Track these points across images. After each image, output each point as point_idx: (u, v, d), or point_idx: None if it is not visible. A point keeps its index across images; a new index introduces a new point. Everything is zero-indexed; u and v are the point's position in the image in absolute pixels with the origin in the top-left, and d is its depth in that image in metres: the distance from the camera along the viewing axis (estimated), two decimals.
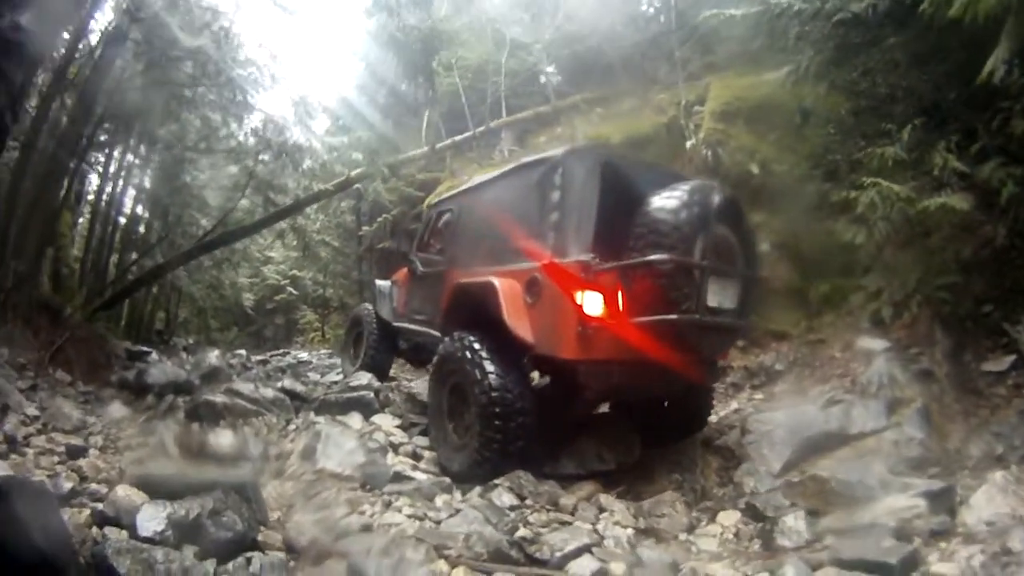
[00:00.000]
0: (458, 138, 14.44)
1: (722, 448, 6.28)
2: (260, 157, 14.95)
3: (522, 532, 4.51)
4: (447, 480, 5.63)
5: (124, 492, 3.88)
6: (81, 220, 18.81)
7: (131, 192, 19.56)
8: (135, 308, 20.29)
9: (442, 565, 3.93)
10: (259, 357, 18.02)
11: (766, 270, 6.77)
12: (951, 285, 6.57)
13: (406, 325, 8.37)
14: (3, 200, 9.68)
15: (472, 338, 5.54)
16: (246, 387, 8.04)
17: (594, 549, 4.28)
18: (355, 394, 7.73)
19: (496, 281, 5.56)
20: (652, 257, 4.81)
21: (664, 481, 5.99)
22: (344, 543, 4.05)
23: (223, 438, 6.31)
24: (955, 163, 6.33)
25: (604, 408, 7.07)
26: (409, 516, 4.73)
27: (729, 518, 5.14)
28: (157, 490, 3.94)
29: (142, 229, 20.06)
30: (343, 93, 18.93)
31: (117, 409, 7.65)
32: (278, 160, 14.26)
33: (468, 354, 5.46)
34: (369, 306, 9.76)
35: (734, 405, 7.81)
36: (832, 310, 8.05)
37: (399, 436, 6.83)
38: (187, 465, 5.48)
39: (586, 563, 4.08)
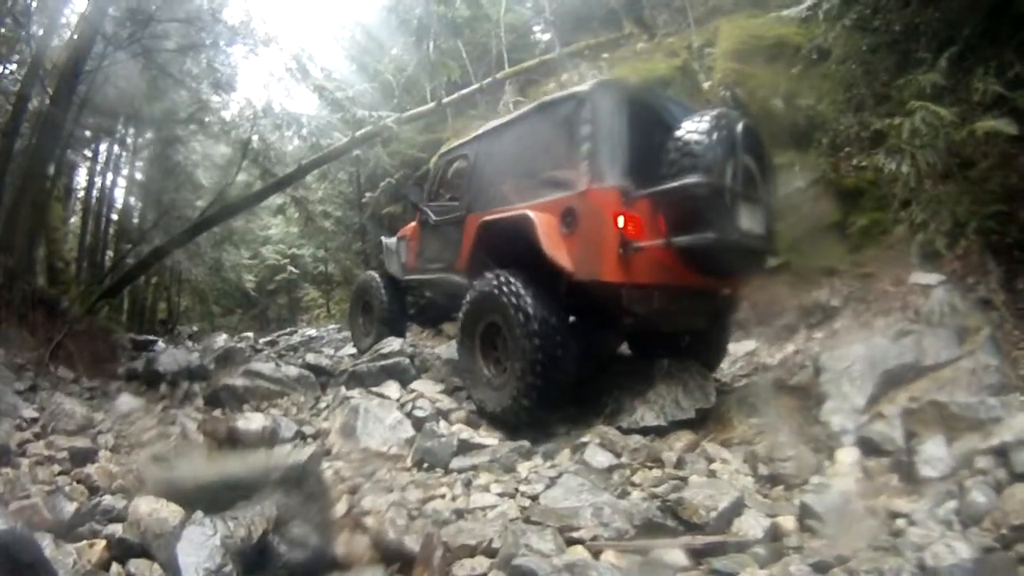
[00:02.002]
0: (464, 91, 13.36)
1: (796, 389, 5.75)
2: (254, 127, 14.07)
3: (648, 494, 3.77)
4: (523, 444, 4.88)
5: (149, 507, 2.86)
6: (74, 217, 18.56)
7: (123, 179, 19.33)
8: (136, 300, 19.88)
9: (580, 551, 3.01)
10: (266, 338, 17.01)
11: (804, 207, 6.91)
12: (997, 214, 6.28)
13: (419, 276, 7.96)
14: None
15: (510, 275, 5.33)
16: (267, 367, 7.11)
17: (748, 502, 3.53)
18: (389, 361, 6.88)
19: (531, 213, 5.36)
20: (688, 180, 4.78)
21: (743, 426, 5.33)
22: (454, 538, 3.07)
23: (253, 421, 5.33)
24: (996, 87, 5.95)
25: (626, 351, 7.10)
26: (500, 495, 3.85)
27: (849, 455, 4.48)
28: (192, 498, 2.97)
29: (136, 216, 19.58)
30: (339, 55, 17.87)
31: (128, 402, 6.63)
32: (275, 131, 13.25)
33: (506, 291, 5.26)
34: (374, 272, 9.33)
35: (791, 347, 7.25)
36: (873, 244, 7.61)
37: (447, 401, 6.06)
38: (220, 458, 4.70)
39: (752, 520, 3.38)
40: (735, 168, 4.97)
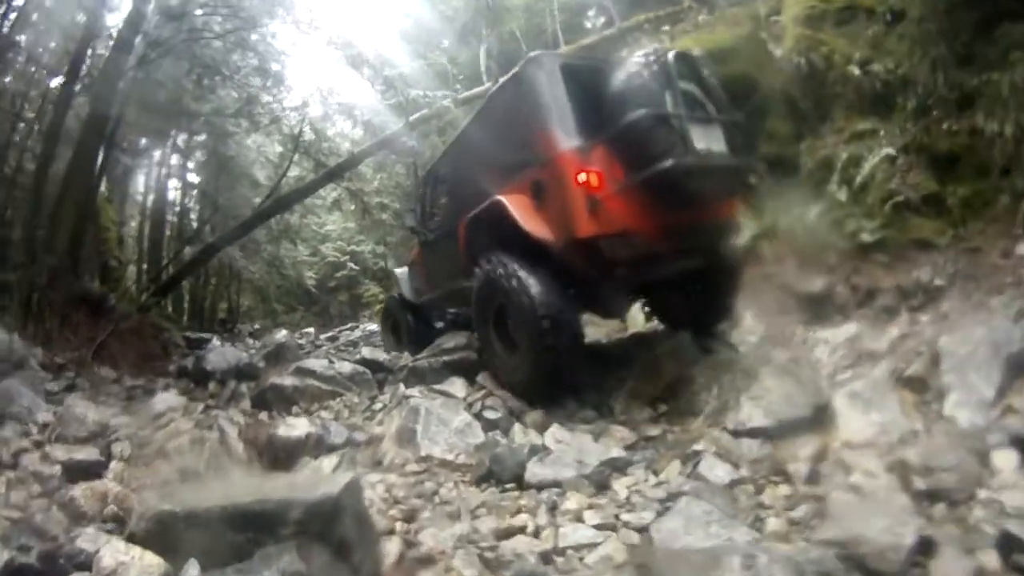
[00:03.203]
0: None
1: (912, 380, 4.77)
2: (304, 119, 13.57)
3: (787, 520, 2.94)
4: (619, 454, 4.05)
5: (118, 556, 1.99)
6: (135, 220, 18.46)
7: (179, 180, 19.29)
8: (196, 299, 19.70)
9: None
10: (327, 334, 17.02)
11: (894, 177, 6.36)
12: None
13: (433, 295, 7.93)
14: (29, 195, 8.96)
15: (504, 257, 5.34)
16: (318, 364, 6.35)
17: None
18: (453, 356, 6.18)
19: (500, 198, 5.44)
20: (630, 116, 4.82)
21: (866, 426, 4.31)
22: None
23: (295, 428, 4.66)
24: None
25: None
26: (597, 526, 2.92)
27: (1007, 460, 3.47)
28: (189, 542, 2.07)
29: (196, 216, 19.43)
30: (393, 43, 17.20)
31: (165, 400, 5.87)
32: (326, 120, 12.65)
33: (502, 272, 5.29)
34: (396, 296, 9.47)
35: (895, 331, 6.09)
36: (975, 216, 6.59)
37: (518, 401, 5.30)
38: (252, 475, 4.09)
39: (952, 562, 2.41)
40: (674, 95, 4.93)
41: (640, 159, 4.86)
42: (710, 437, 4.11)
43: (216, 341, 12.17)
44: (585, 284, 5.44)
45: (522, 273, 5.14)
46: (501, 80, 6.14)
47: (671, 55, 5.09)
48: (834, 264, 6.28)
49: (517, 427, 4.77)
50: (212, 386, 7.16)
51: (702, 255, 5.78)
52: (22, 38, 10.57)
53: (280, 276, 20.38)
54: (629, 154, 4.95)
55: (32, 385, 5.72)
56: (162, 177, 18.56)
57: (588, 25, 15.83)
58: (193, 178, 19.86)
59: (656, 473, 3.65)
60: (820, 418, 4.48)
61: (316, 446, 4.49)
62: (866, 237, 6.16)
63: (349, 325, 18.95)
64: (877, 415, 4.45)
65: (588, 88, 5.31)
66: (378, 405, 5.72)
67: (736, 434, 4.20)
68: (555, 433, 4.53)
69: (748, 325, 6.31)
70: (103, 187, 12.23)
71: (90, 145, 9.40)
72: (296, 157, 14.00)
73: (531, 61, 5.49)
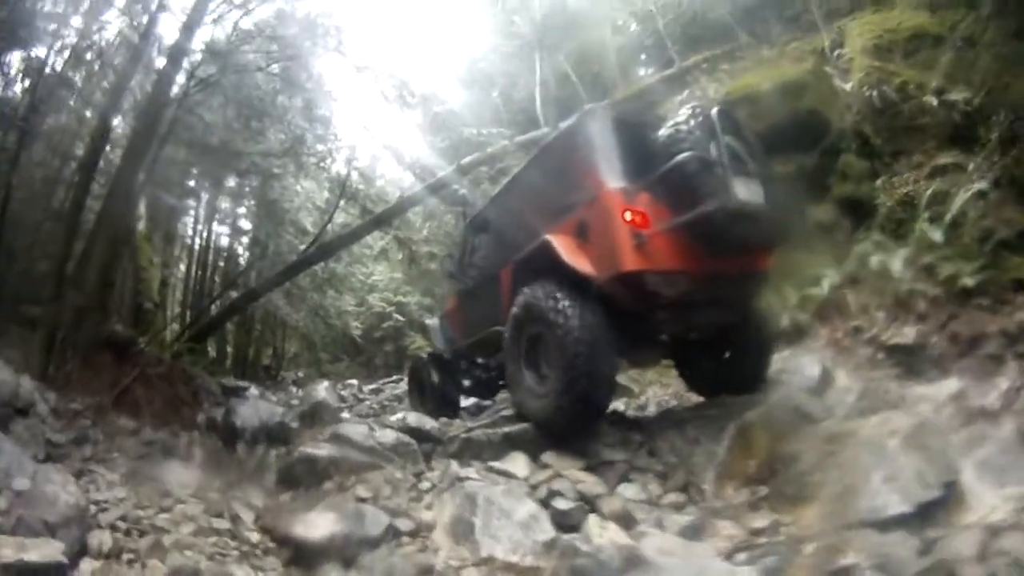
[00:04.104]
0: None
1: None
2: (351, 164, 13.30)
3: None
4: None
5: None
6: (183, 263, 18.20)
7: (227, 224, 19.04)
8: (240, 346, 19.06)
9: None
10: (371, 386, 16.45)
11: (987, 214, 6.10)
12: None
13: (466, 343, 8.02)
14: (61, 230, 8.32)
15: (548, 285, 5.44)
16: (356, 431, 5.50)
17: None
18: (514, 428, 5.58)
19: (548, 236, 5.61)
20: (678, 158, 5.02)
21: (998, 500, 3.70)
22: None
23: (316, 526, 3.87)
24: None
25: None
26: None
27: None
28: None
29: (240, 260, 19.18)
30: (443, 80, 16.66)
31: (177, 474, 4.91)
32: (374, 164, 12.23)
33: (545, 298, 5.36)
34: (423, 355, 9.71)
35: (1004, 383, 5.50)
36: None
37: (592, 482, 4.64)
38: None
39: None
40: (718, 146, 5.09)
41: (684, 202, 5.04)
42: (843, 537, 3.30)
43: (254, 390, 11.30)
44: (623, 324, 5.38)
45: (563, 300, 5.20)
46: (556, 130, 6.42)
47: (715, 110, 5.33)
48: (925, 311, 5.93)
49: (592, 520, 4.07)
50: (240, 449, 6.38)
51: (738, 307, 5.87)
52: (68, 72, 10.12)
53: (325, 325, 19.67)
54: (673, 197, 5.11)
55: (30, 436, 5.02)
56: (208, 220, 18.27)
57: (642, 72, 15.33)
58: (240, 223, 19.57)
59: None
60: (951, 497, 3.76)
61: (343, 546, 3.71)
62: (967, 281, 5.80)
63: (394, 377, 17.98)
64: (1014, 488, 3.79)
65: (637, 138, 5.51)
66: (425, 483, 4.97)
67: (868, 525, 3.40)
68: (650, 537, 3.64)
69: (841, 384, 5.82)
70: (142, 225, 11.78)
71: (127, 179, 8.72)
72: (342, 203, 13.47)
73: (587, 113, 5.86)
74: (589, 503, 4.21)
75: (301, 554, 3.67)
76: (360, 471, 4.99)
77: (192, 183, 15.42)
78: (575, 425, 5.19)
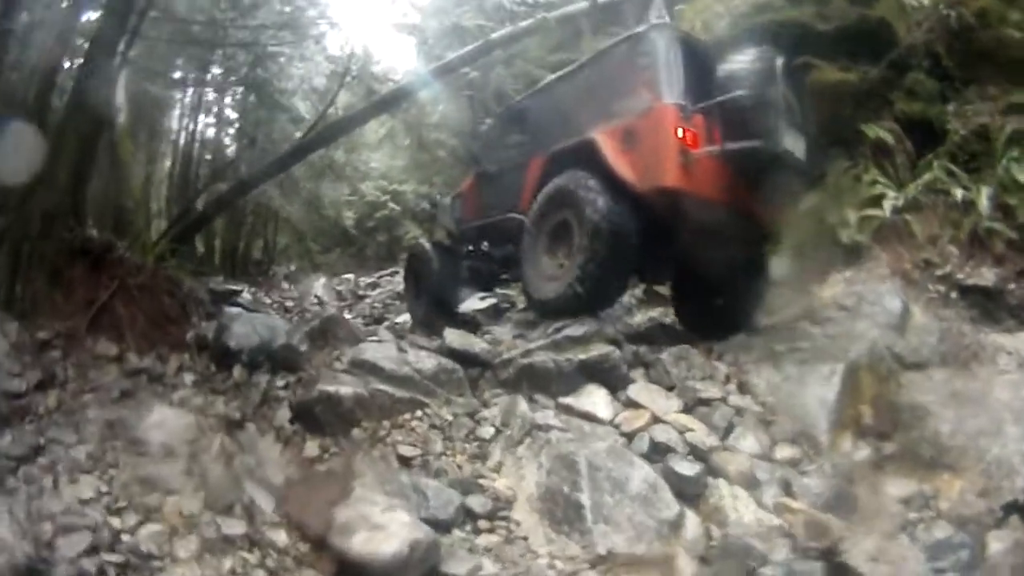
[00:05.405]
0: None
1: None
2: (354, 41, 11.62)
3: None
4: None
5: None
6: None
7: (215, 112, 17.43)
8: (229, 240, 17.63)
9: None
10: (367, 280, 15.80)
11: None
12: None
13: (476, 223, 8.10)
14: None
15: (585, 172, 5.54)
16: (384, 355, 4.42)
17: None
18: (589, 353, 4.40)
19: (594, 135, 5.67)
20: (737, 93, 5.11)
21: None
22: None
23: (384, 542, 2.62)
24: None
25: None
26: None
27: None
28: None
29: (231, 152, 17.49)
30: None
31: (163, 423, 3.76)
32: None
33: (583, 186, 5.44)
34: (422, 241, 9.43)
35: None
36: None
37: (701, 432, 3.67)
38: None
39: None
40: (775, 92, 5.29)
41: (734, 135, 5.15)
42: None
43: (247, 294, 10.09)
44: (646, 233, 5.45)
45: (597, 189, 5.34)
46: (624, 35, 6.30)
47: (780, 60, 5.47)
48: (1003, 254, 5.61)
49: (720, 486, 3.15)
50: (237, 373, 5.18)
51: (748, 248, 5.91)
52: None
53: (319, 216, 18.38)
54: (725, 127, 5.20)
55: None
56: (196, 109, 16.63)
57: None
58: (230, 112, 17.87)
59: None
60: None
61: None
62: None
63: (389, 270, 17.19)
64: None
65: (699, 63, 5.59)
66: (486, 428, 4.02)
67: None
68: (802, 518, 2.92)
69: (918, 322, 5.25)
70: (123, 118, 10.29)
71: (99, 64, 7.27)
72: (347, 79, 12.18)
73: (655, 27, 5.75)
74: (702, 459, 3.34)
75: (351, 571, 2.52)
76: (396, 412, 4.12)
77: (178, 65, 14.03)
78: (579, 308, 5.27)
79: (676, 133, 5.13)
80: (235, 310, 8.09)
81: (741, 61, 5.36)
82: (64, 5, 8.04)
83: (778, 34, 7.44)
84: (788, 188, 5.57)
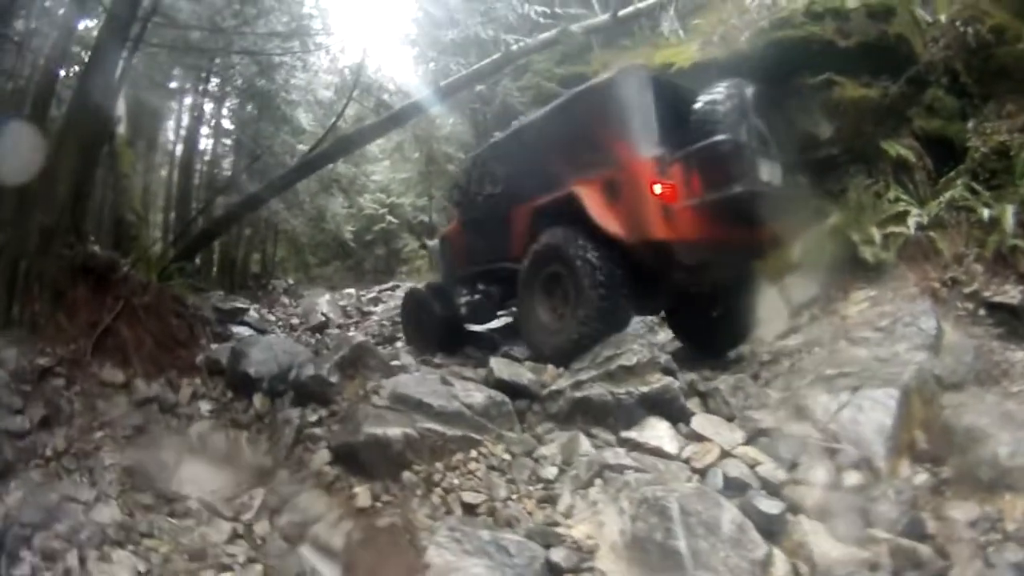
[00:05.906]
0: (641, 4, 10.87)
1: None
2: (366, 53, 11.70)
3: None
4: None
5: None
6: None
7: (215, 124, 16.94)
8: (227, 253, 17.15)
9: None
10: (369, 295, 15.22)
11: None
12: None
13: (471, 270, 7.89)
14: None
15: (572, 230, 5.61)
16: (432, 391, 4.07)
17: None
18: (651, 387, 4.09)
19: (578, 189, 5.69)
20: (713, 139, 5.18)
21: None
22: None
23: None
24: None
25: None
26: None
27: None
28: None
29: (231, 165, 17.19)
30: None
31: (191, 471, 3.37)
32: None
33: (573, 244, 5.49)
34: (418, 287, 9.30)
35: None
36: None
37: (769, 465, 3.50)
38: None
39: None
40: (748, 127, 5.34)
41: (712, 179, 5.22)
42: None
43: (254, 313, 9.66)
44: (637, 276, 5.49)
45: (587, 247, 5.37)
46: (589, 84, 6.25)
47: (749, 91, 5.51)
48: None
49: (801, 523, 2.99)
50: (259, 402, 4.86)
51: (739, 269, 6.07)
52: None
53: (319, 230, 18.18)
54: (703, 172, 5.27)
55: None
56: (197, 120, 16.26)
57: None
58: (230, 124, 17.49)
59: None
60: None
61: None
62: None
63: (389, 284, 17.00)
64: None
65: (671, 104, 5.54)
66: (549, 469, 3.68)
67: None
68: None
69: (950, 340, 5.11)
70: (123, 129, 10.09)
71: (99, 75, 6.93)
72: (355, 94, 11.58)
73: (626, 71, 5.78)
74: (775, 493, 3.16)
75: None
76: (448, 453, 3.72)
77: (177, 75, 13.82)
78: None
79: (653, 190, 5.17)
80: (247, 331, 7.68)
81: (713, 99, 5.44)
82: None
83: (799, 49, 7.54)
84: (772, 212, 5.62)
